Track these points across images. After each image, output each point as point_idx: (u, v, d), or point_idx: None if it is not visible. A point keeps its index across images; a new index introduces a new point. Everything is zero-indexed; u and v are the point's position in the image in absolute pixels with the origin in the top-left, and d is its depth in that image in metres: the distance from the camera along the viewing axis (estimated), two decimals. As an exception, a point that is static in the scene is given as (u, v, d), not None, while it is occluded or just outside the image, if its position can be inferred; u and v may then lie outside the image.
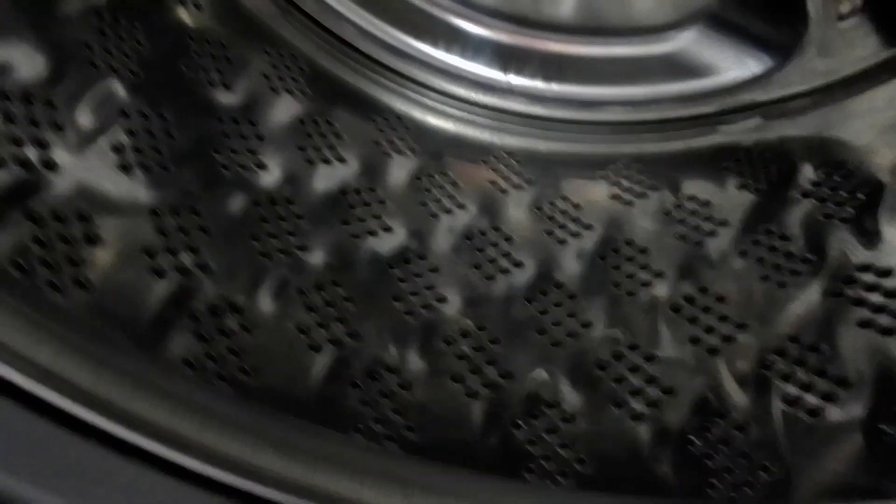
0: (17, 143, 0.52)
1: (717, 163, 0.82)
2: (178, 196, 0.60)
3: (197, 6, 0.74)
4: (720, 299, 0.67)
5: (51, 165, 0.53)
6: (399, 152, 0.79)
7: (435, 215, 0.74)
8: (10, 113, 0.52)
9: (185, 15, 0.72)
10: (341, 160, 0.74)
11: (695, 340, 0.64)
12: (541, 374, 0.60)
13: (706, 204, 0.77)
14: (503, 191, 0.79)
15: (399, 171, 0.77)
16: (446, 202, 0.76)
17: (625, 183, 0.80)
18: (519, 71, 0.88)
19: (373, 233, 0.69)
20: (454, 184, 0.77)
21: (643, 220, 0.75)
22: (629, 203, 0.78)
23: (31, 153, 0.52)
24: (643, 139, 0.86)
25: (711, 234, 0.74)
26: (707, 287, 0.68)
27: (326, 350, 0.58)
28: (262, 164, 0.68)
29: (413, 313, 0.64)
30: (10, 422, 0.25)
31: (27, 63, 0.55)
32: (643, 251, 0.72)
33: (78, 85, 0.58)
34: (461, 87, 0.88)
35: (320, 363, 0.58)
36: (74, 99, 0.57)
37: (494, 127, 0.86)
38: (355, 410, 0.55)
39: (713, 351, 0.63)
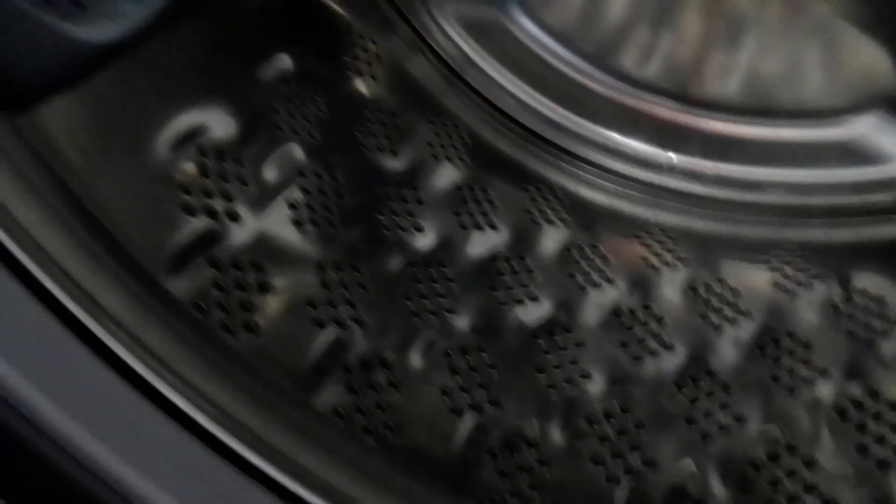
0: (208, 195, 0.57)
1: (892, 256, 0.77)
2: (342, 253, 0.63)
3: (373, 77, 0.79)
4: (894, 407, 0.61)
5: (234, 217, 0.58)
6: (550, 222, 0.80)
7: (583, 288, 0.73)
8: (205, 167, 0.58)
9: (362, 86, 0.77)
10: (494, 227, 0.76)
11: (862, 449, 0.59)
12: (688, 465, 0.57)
13: (879, 300, 0.72)
14: (656, 269, 0.77)
15: (549, 241, 0.78)
16: (595, 276, 0.75)
17: (788, 270, 0.76)
18: (679, 148, 0.87)
19: (520, 301, 0.69)
20: (604, 258, 0.77)
21: (807, 312, 0.71)
22: (792, 292, 0.73)
23: (219, 205, 0.57)
24: (810, 225, 0.81)
25: (884, 333, 0.68)
26: (878, 391, 0.63)
27: (467, 415, 0.59)
28: (419, 227, 0.71)
29: (556, 387, 0.64)
30: (194, 461, 0.27)
31: (222, 124, 0.61)
32: (806, 345, 0.68)
33: (264, 145, 0.63)
34: (618, 161, 0.88)
35: (461, 427, 0.58)
36: (260, 158, 0.62)
37: (650, 203, 0.84)
38: (492, 481, 0.55)
39: (883, 465, 0.57)
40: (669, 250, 0.81)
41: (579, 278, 0.74)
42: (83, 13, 0.43)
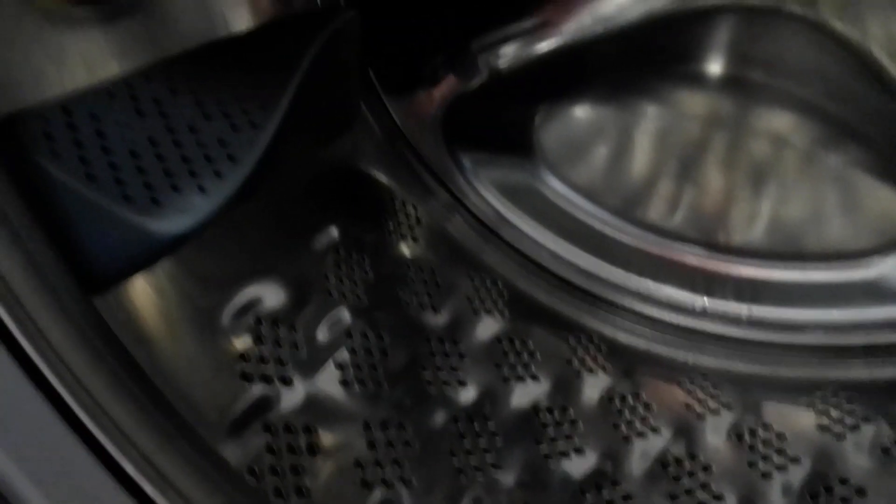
0: (264, 361, 0.61)
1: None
2: (388, 411, 0.66)
3: (415, 239, 0.84)
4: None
5: (287, 381, 0.61)
6: (590, 371, 0.82)
7: (627, 438, 0.74)
8: (261, 335, 0.62)
9: (404, 248, 0.82)
10: (535, 378, 0.78)
11: None
12: None
13: (933, 440, 0.70)
14: (699, 415, 0.78)
15: (591, 389, 0.79)
16: (639, 424, 0.76)
17: (833, 412, 0.75)
18: (712, 293, 0.89)
19: (564, 454, 0.70)
20: (647, 405, 0.77)
21: (858, 456, 0.70)
22: (840, 435, 0.73)
23: (273, 370, 0.61)
24: (850, 365, 0.81)
25: (942, 475, 0.67)
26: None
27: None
28: (462, 380, 0.73)
29: (605, 542, 0.63)
30: None
31: (277, 294, 0.65)
32: (860, 492, 0.66)
33: (315, 311, 0.68)
34: (652, 307, 0.90)
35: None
36: (312, 323, 0.66)
37: (688, 347, 0.86)
38: None
39: None
40: (711, 395, 0.81)
41: (623, 427, 0.75)
42: (158, 208, 0.49)
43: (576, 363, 0.82)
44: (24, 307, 0.40)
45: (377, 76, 0.90)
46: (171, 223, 0.49)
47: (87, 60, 0.56)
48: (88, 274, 0.48)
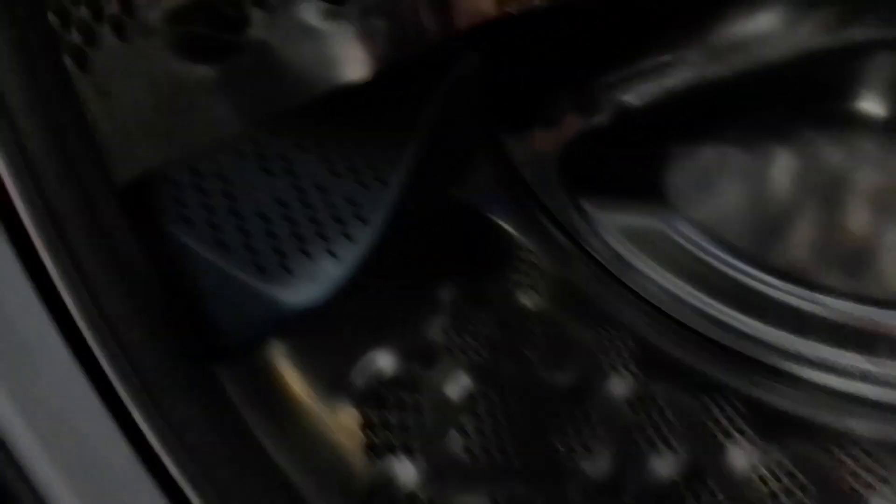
0: (388, 429, 0.57)
1: None
2: (516, 485, 0.61)
3: (535, 290, 0.79)
4: None
5: (410, 451, 0.57)
6: (730, 437, 0.74)
7: (785, 522, 0.66)
8: (383, 404, 0.59)
9: (526, 300, 0.78)
10: (670, 447, 0.71)
11: None
12: None
13: None
14: (858, 493, 0.69)
15: (738, 461, 0.72)
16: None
17: None
18: (866, 351, 0.80)
19: (711, 536, 0.63)
20: (803, 487, 0.69)
21: None
22: None
23: (398, 441, 0.57)
24: None
25: None
26: None
27: None
28: (590, 448, 0.67)
29: None
30: None
31: (399, 360, 0.62)
32: None
33: (438, 374, 0.64)
34: (800, 365, 0.82)
35: None
36: (434, 388, 0.63)
37: (845, 413, 0.77)
38: None
39: None
40: (868, 468, 0.72)
41: (774, 507, 0.67)
42: (289, 277, 0.46)
43: (713, 427, 0.75)
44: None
45: (495, 116, 0.86)
46: (302, 293, 0.46)
47: (208, 121, 0.54)
48: (217, 343, 0.46)
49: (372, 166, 0.57)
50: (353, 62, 0.74)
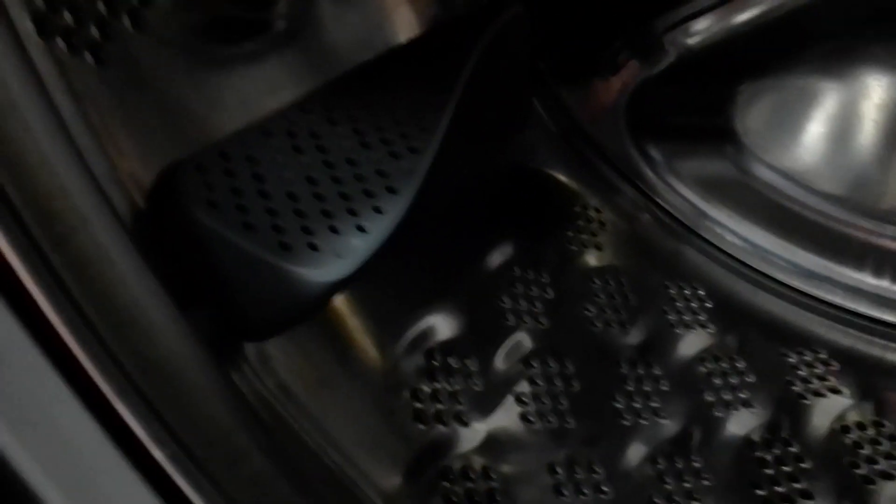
0: (438, 400, 0.57)
1: None
2: (576, 448, 0.59)
3: (598, 247, 0.76)
4: None
5: (463, 421, 0.57)
6: (819, 394, 0.69)
7: (870, 481, 0.61)
8: (434, 371, 0.58)
9: (587, 258, 0.75)
10: (749, 405, 0.67)
11: None
12: None
13: None
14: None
15: (821, 418, 0.67)
16: (883, 463, 0.63)
17: None
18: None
19: (790, 501, 0.60)
20: (892, 437, 0.64)
21: None
22: None
23: (448, 409, 0.57)
24: None
25: None
26: None
27: None
28: (659, 411, 0.65)
29: None
30: None
31: (449, 324, 0.61)
32: None
33: (491, 339, 0.63)
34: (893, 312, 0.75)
35: None
36: (487, 353, 0.62)
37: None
38: None
39: None
40: None
41: (864, 468, 0.62)
42: (317, 255, 0.46)
43: (800, 385, 0.71)
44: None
45: (549, 68, 0.82)
46: (329, 270, 0.46)
47: (243, 100, 0.55)
48: (245, 327, 0.47)
49: (404, 136, 0.56)
50: (399, 23, 0.73)
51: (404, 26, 0.72)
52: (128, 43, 0.46)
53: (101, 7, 0.45)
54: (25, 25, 0.41)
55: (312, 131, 0.53)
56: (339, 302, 0.54)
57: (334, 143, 0.53)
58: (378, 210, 0.50)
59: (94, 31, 0.44)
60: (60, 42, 0.42)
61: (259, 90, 0.55)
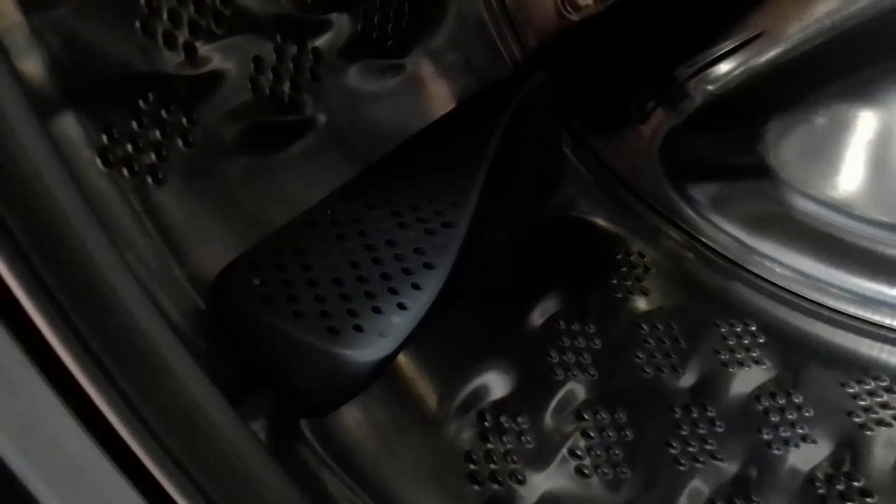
0: (492, 460, 0.59)
1: None
2: (632, 498, 0.61)
3: (644, 292, 0.78)
4: None
5: (519, 479, 0.59)
6: (884, 423, 0.68)
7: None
8: (485, 431, 0.61)
9: (633, 304, 0.76)
10: (808, 440, 0.67)
11: None
12: None
13: None
14: None
15: (886, 449, 0.66)
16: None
17: None
18: None
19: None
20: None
21: None
22: None
23: (503, 468, 0.59)
24: None
25: None
26: None
27: None
28: (717, 454, 0.65)
29: None
30: None
31: (499, 382, 0.64)
32: None
33: (542, 394, 0.65)
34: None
35: None
36: (539, 409, 0.64)
37: None
38: None
39: None
40: None
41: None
42: (361, 335, 0.50)
43: (862, 415, 0.70)
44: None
45: (580, 122, 0.85)
46: (374, 350, 0.50)
47: (290, 194, 0.60)
48: (300, 408, 0.51)
49: (438, 212, 0.59)
50: (431, 100, 0.78)
51: (436, 102, 0.77)
52: (182, 160, 0.52)
53: (157, 134, 0.51)
54: (91, 157, 0.47)
55: (353, 217, 0.57)
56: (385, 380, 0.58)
57: (374, 226, 0.57)
58: (417, 286, 0.54)
59: (151, 156, 0.50)
60: (123, 169, 0.48)
61: (304, 184, 0.60)
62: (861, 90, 0.74)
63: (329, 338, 0.49)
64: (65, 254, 0.31)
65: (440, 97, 0.78)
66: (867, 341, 0.77)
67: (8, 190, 0.28)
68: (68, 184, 0.31)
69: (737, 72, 0.75)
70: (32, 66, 0.44)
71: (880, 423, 0.68)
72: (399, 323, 0.52)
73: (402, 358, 0.59)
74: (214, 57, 0.55)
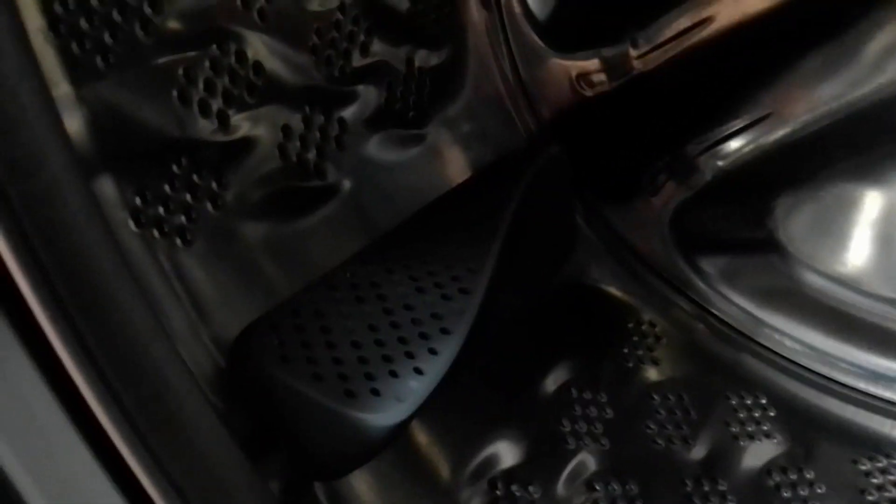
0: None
1: None
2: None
3: (655, 362, 0.78)
4: None
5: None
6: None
7: None
8: (497, 501, 0.61)
9: (644, 374, 0.77)
10: (821, 518, 0.67)
11: None
12: None
13: None
14: None
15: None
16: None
17: None
18: None
19: None
20: None
21: None
22: None
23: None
24: None
25: None
26: None
27: None
28: (728, 527, 0.65)
29: None
30: None
31: (509, 452, 0.64)
32: None
33: (553, 464, 0.65)
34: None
35: None
36: (550, 480, 0.64)
37: None
38: None
39: None
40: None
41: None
42: (378, 399, 0.51)
43: (873, 493, 0.69)
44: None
45: (593, 193, 0.87)
46: (391, 414, 0.50)
47: (312, 258, 0.61)
48: (315, 470, 0.52)
49: (455, 278, 0.61)
50: (449, 168, 0.80)
51: (453, 171, 0.79)
52: (210, 223, 0.53)
53: (188, 197, 0.52)
54: (124, 218, 0.48)
55: (372, 281, 0.59)
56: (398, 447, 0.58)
57: (392, 290, 0.58)
58: (433, 351, 0.55)
59: (181, 218, 0.52)
60: (154, 230, 0.50)
61: (325, 247, 0.62)
62: (867, 170, 0.76)
63: (346, 401, 0.50)
64: (105, 315, 0.32)
65: (457, 166, 0.80)
66: (878, 418, 0.77)
67: (57, 256, 0.30)
68: (112, 249, 0.32)
69: (746, 149, 0.77)
70: (75, 129, 0.46)
71: (893, 501, 0.68)
72: (416, 387, 0.52)
73: (414, 423, 0.60)
74: (245, 125, 0.57)
